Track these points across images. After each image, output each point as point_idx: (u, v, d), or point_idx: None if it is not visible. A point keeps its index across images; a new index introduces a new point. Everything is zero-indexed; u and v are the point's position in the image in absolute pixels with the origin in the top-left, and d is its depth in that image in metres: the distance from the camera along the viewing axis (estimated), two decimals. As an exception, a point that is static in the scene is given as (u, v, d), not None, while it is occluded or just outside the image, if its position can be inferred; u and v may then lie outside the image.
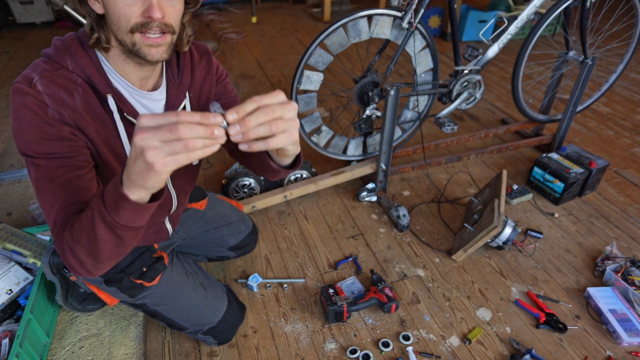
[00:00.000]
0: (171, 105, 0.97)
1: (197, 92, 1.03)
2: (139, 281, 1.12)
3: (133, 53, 0.81)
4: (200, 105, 1.06)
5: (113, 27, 0.79)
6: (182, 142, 0.54)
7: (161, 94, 0.95)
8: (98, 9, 0.79)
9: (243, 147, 0.60)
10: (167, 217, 1.17)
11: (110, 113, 0.87)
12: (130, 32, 0.78)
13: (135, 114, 0.90)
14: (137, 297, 1.15)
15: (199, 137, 0.55)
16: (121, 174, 0.64)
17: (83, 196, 0.80)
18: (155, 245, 1.21)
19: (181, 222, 1.36)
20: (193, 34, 0.94)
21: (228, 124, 0.57)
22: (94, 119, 0.85)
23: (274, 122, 0.60)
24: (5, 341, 1.16)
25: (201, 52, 1.04)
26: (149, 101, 0.93)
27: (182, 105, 1.00)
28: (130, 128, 0.91)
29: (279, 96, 0.62)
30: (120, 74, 0.87)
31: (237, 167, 1.93)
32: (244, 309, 1.36)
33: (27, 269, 1.36)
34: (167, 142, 0.55)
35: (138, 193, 0.63)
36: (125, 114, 0.89)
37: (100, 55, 0.85)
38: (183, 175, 1.11)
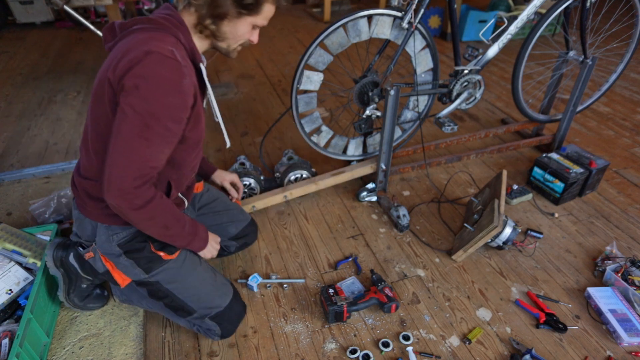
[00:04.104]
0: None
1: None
2: (160, 252, 1.16)
3: (218, 49, 1.10)
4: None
5: (228, 35, 1.05)
6: None
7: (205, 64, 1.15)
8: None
9: None
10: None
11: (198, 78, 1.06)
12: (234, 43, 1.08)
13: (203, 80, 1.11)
14: (152, 273, 1.16)
15: None
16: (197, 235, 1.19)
17: (160, 166, 1.01)
18: None
19: None
20: None
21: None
22: (193, 86, 1.00)
23: None
24: (5, 341, 1.16)
25: None
26: (204, 69, 1.12)
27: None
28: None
29: None
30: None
31: (237, 168, 1.93)
32: (245, 306, 1.37)
33: (27, 269, 1.36)
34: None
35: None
36: (205, 78, 1.09)
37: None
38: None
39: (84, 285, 1.33)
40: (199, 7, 0.99)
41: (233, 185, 1.64)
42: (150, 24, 0.97)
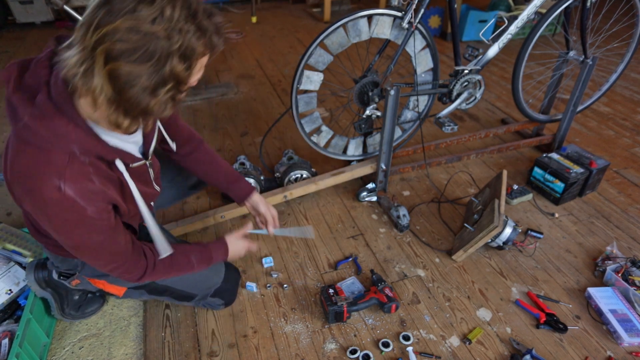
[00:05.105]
0: (149, 140, 1.04)
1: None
2: None
3: None
4: (166, 127, 1.17)
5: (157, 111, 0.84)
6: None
7: (139, 132, 1.00)
8: None
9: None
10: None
11: (118, 172, 0.92)
12: None
13: (135, 159, 0.97)
14: None
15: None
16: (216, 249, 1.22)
17: (125, 247, 0.99)
18: None
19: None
20: None
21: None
22: (110, 186, 0.90)
23: None
24: (5, 341, 1.16)
25: None
26: (133, 142, 0.98)
27: (155, 137, 1.07)
28: (134, 175, 0.97)
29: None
30: (109, 129, 0.85)
31: (237, 168, 1.93)
32: (238, 269, 1.47)
33: (26, 269, 1.36)
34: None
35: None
36: (130, 166, 0.95)
37: (87, 121, 0.81)
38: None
39: (77, 297, 1.32)
40: (105, 102, 0.74)
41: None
42: (50, 136, 0.77)
